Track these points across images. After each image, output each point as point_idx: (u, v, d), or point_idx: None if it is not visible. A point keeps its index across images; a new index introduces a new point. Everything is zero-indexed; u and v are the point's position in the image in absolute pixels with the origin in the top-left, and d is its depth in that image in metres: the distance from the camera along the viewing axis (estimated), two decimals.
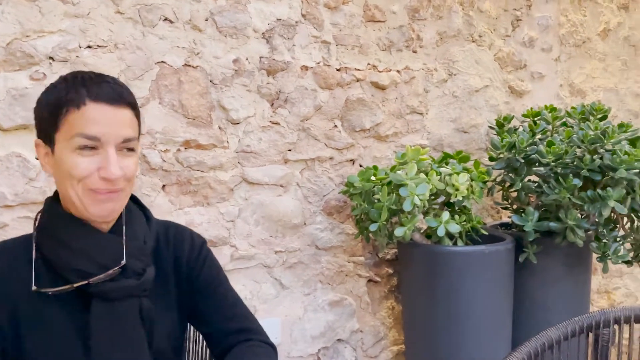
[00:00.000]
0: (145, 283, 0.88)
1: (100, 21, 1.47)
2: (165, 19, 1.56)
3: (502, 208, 2.01)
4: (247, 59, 1.69)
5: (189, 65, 1.60)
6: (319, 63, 1.82)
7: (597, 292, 2.47)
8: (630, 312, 1.15)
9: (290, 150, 1.78)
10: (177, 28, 1.58)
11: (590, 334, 1.15)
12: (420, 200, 1.56)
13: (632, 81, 2.54)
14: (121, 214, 0.91)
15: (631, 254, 1.78)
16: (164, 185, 1.59)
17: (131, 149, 0.87)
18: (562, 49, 2.34)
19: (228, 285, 1.00)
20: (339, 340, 1.87)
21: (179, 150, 1.60)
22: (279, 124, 1.76)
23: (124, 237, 0.88)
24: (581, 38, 2.38)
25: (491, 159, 1.90)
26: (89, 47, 1.46)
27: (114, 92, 0.85)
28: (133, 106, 0.88)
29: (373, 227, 1.61)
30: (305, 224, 1.81)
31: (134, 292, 0.87)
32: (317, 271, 1.83)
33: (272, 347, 0.96)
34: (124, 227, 0.89)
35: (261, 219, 1.74)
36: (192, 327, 1.12)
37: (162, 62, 1.56)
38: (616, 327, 1.16)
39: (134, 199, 0.95)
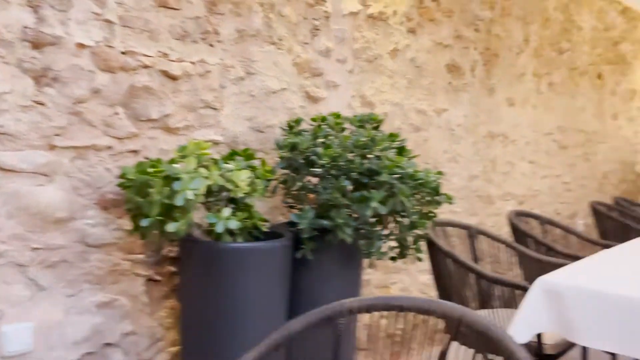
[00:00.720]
0: None
1: None
2: None
3: (289, 207, 2.08)
4: (5, 27, 1.47)
5: None
6: (99, 43, 1.67)
7: (377, 286, 2.71)
8: (362, 302, 1.24)
9: (58, 135, 1.60)
10: None
11: (329, 324, 1.22)
12: (195, 195, 1.52)
13: (415, 98, 2.86)
14: None
15: (397, 251, 1.98)
16: None
17: None
18: (355, 62, 2.52)
19: None
20: (107, 344, 1.72)
21: None
22: (44, 104, 1.57)
23: None
24: (373, 54, 2.60)
25: (281, 158, 1.95)
26: None
27: None
28: None
29: (144, 222, 1.53)
30: (73, 218, 1.64)
31: None
32: (84, 270, 1.67)
33: None
34: None
35: (15, 211, 1.52)
36: None
37: None
38: (351, 316, 1.25)
39: None
